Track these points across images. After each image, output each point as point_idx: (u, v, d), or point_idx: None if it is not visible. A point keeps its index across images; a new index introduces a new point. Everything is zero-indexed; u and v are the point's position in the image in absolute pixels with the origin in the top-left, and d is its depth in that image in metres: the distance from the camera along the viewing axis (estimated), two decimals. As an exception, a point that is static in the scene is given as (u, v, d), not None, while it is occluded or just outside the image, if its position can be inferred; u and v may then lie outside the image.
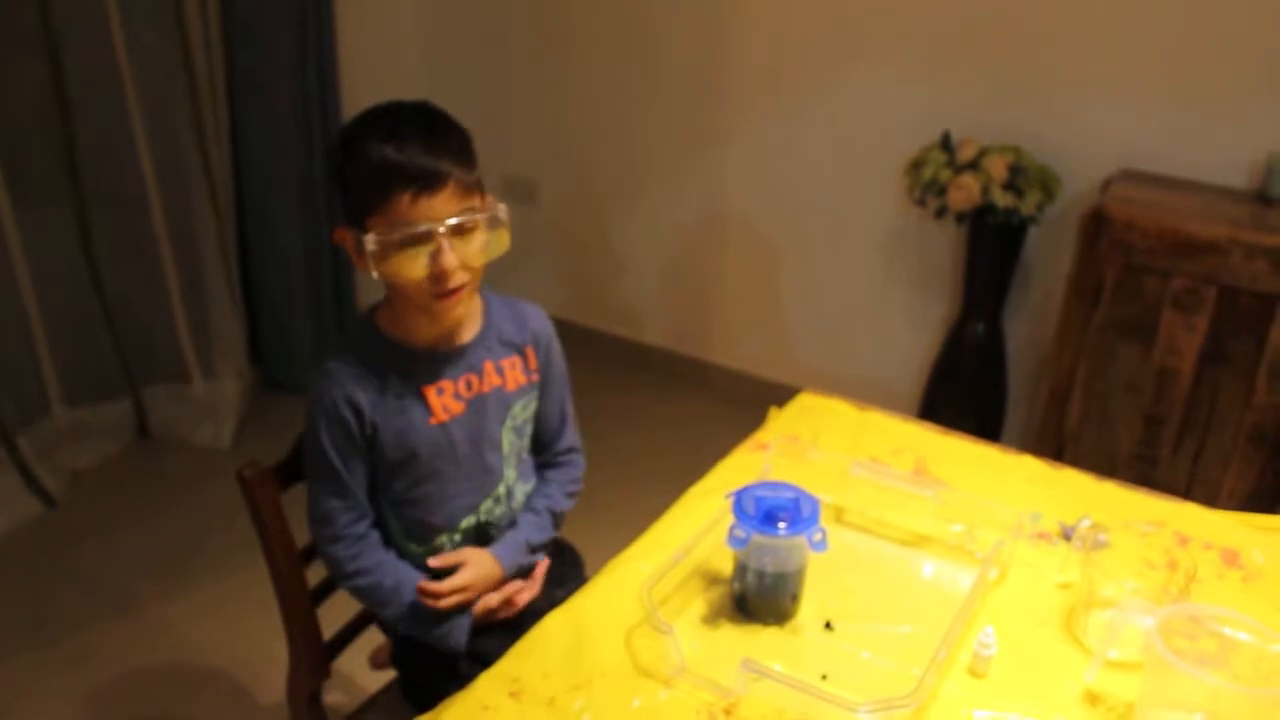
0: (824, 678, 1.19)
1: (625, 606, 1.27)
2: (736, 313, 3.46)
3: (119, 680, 2.25)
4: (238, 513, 1.40)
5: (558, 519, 1.57)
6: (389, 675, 1.64)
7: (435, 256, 1.28)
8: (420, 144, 1.27)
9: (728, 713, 1.13)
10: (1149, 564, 1.36)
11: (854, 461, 1.49)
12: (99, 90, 2.76)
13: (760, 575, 1.26)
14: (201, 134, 2.93)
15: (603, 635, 1.23)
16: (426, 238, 1.28)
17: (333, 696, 1.61)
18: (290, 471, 1.44)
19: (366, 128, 1.30)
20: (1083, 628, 1.28)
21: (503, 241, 1.35)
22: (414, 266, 1.29)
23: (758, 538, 1.22)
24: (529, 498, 1.55)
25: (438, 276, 1.29)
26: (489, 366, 1.44)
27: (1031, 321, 2.94)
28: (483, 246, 1.33)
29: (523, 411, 1.49)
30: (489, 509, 1.46)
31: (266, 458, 1.42)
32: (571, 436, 1.61)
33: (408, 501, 1.42)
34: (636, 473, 2.82)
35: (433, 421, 1.40)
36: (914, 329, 3.14)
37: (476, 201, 1.33)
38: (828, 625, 1.27)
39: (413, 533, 1.44)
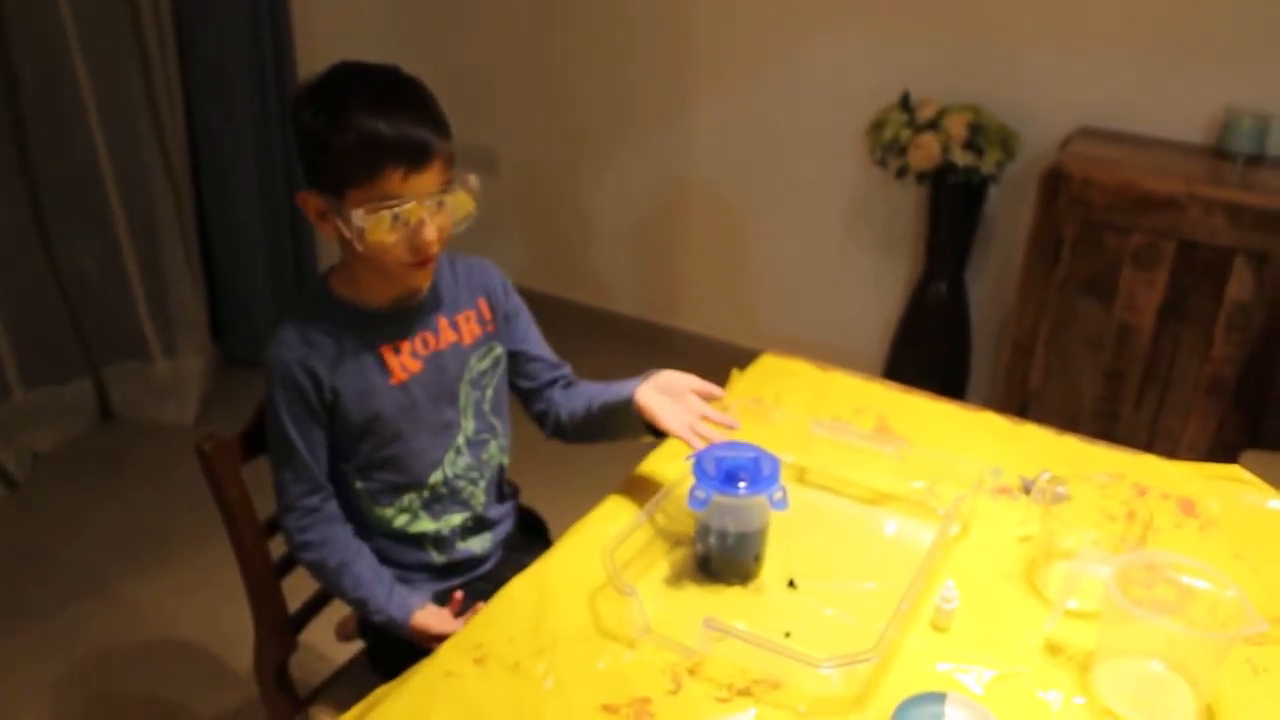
0: (787, 635, 1.19)
1: (589, 570, 1.27)
2: (702, 279, 3.46)
3: (92, 663, 2.23)
4: (204, 490, 1.39)
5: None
6: (357, 646, 1.64)
7: (416, 228, 1.28)
8: (411, 118, 1.26)
9: (691, 673, 1.13)
10: (1108, 515, 1.38)
11: (815, 421, 1.49)
12: (47, 66, 2.70)
13: (722, 536, 1.26)
14: (155, 107, 2.88)
15: (566, 599, 1.23)
16: (412, 211, 1.27)
17: (300, 669, 1.61)
18: (252, 443, 1.42)
19: (348, 94, 1.26)
20: (1043, 579, 1.29)
21: (466, 205, 1.34)
22: (397, 239, 1.28)
23: (719, 498, 1.22)
24: (503, 451, 1.54)
25: (417, 247, 1.30)
26: (444, 323, 1.44)
27: (993, 281, 2.96)
28: (453, 213, 1.34)
29: (479, 363, 1.48)
30: (452, 461, 1.46)
31: (230, 433, 1.40)
32: (554, 375, 1.60)
33: (374, 464, 1.42)
34: (595, 452, 2.83)
35: (393, 382, 1.39)
36: (877, 290, 3.15)
37: (454, 172, 1.33)
38: (791, 584, 1.28)
39: (381, 495, 1.44)
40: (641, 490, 1.44)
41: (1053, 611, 1.19)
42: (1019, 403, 2.64)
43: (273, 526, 1.46)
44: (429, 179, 1.28)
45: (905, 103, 2.72)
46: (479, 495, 1.51)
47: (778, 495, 1.22)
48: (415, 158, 1.25)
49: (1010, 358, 2.65)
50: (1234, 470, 1.54)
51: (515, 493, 1.64)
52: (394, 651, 1.47)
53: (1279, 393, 2.31)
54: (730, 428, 1.38)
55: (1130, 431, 2.53)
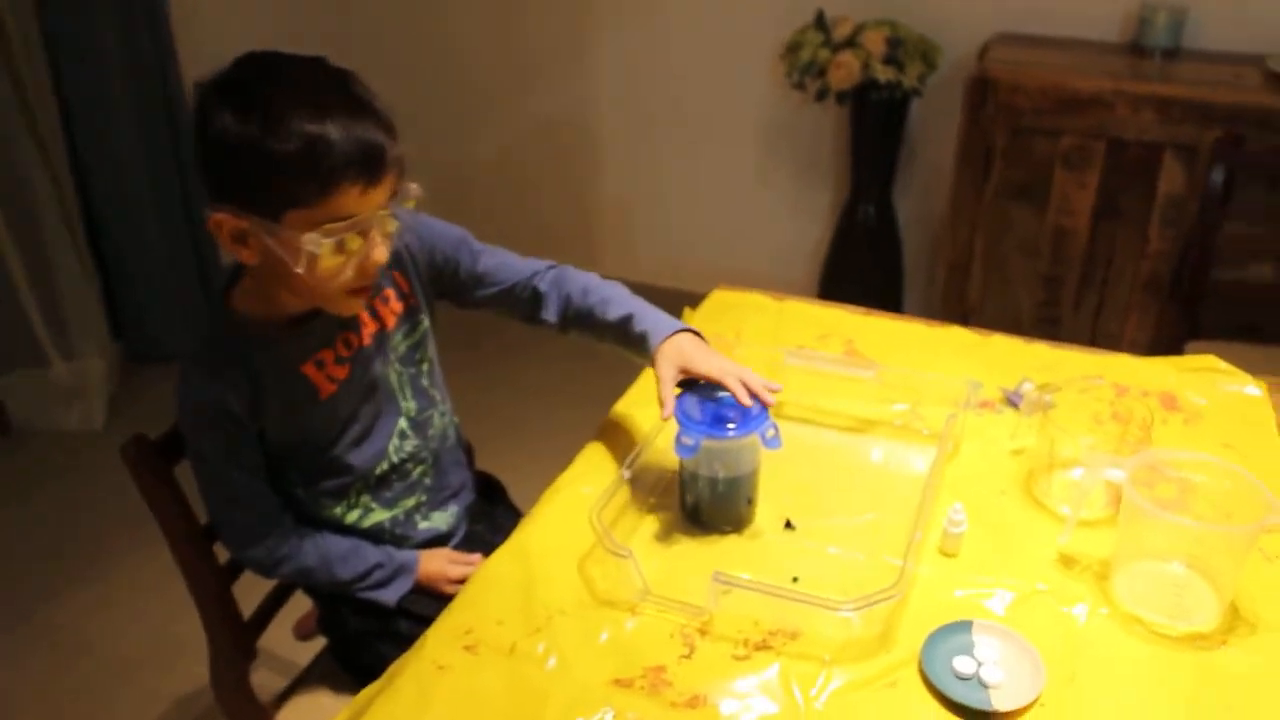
0: (795, 580, 1.12)
1: (572, 535, 1.18)
2: (621, 224, 3.36)
3: (17, 699, 2.07)
4: (120, 495, 1.25)
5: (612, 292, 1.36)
6: (319, 644, 1.53)
7: (368, 250, 1.11)
8: (361, 120, 1.06)
9: (703, 632, 1.05)
10: (1096, 418, 1.33)
11: (787, 351, 1.41)
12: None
13: (712, 482, 1.18)
14: (21, 92, 2.65)
15: (554, 570, 1.14)
16: (365, 231, 1.10)
17: (259, 674, 1.49)
18: (179, 443, 1.29)
19: (279, 93, 1.05)
20: (1045, 491, 1.24)
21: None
22: (347, 264, 1.10)
23: (708, 442, 1.14)
24: (446, 418, 1.42)
25: (367, 271, 1.13)
26: (363, 316, 1.28)
27: (921, 198, 2.92)
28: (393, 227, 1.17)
29: (405, 340, 1.34)
30: (397, 447, 1.34)
31: (146, 433, 1.27)
32: (534, 261, 1.41)
33: (314, 472, 1.29)
34: (552, 404, 2.73)
35: (322, 397, 1.25)
36: (803, 218, 3.09)
37: (402, 181, 1.14)
38: (788, 525, 1.21)
39: (326, 498, 1.31)
40: (613, 444, 1.35)
41: (1067, 523, 1.14)
42: (958, 318, 2.60)
43: (211, 531, 1.33)
44: (383, 192, 1.09)
45: (820, 22, 2.64)
46: (431, 472, 1.40)
47: (770, 433, 1.14)
48: (373, 169, 1.06)
49: (946, 273, 2.62)
50: (1209, 360, 1.51)
51: (471, 455, 1.53)
52: (361, 645, 1.37)
53: (1215, 283, 2.31)
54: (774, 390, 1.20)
55: (1072, 335, 2.52)
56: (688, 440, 1.13)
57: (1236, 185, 2.19)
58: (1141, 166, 2.33)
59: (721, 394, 1.18)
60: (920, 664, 1.01)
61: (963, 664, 1.00)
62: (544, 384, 2.91)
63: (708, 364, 1.21)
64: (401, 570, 1.33)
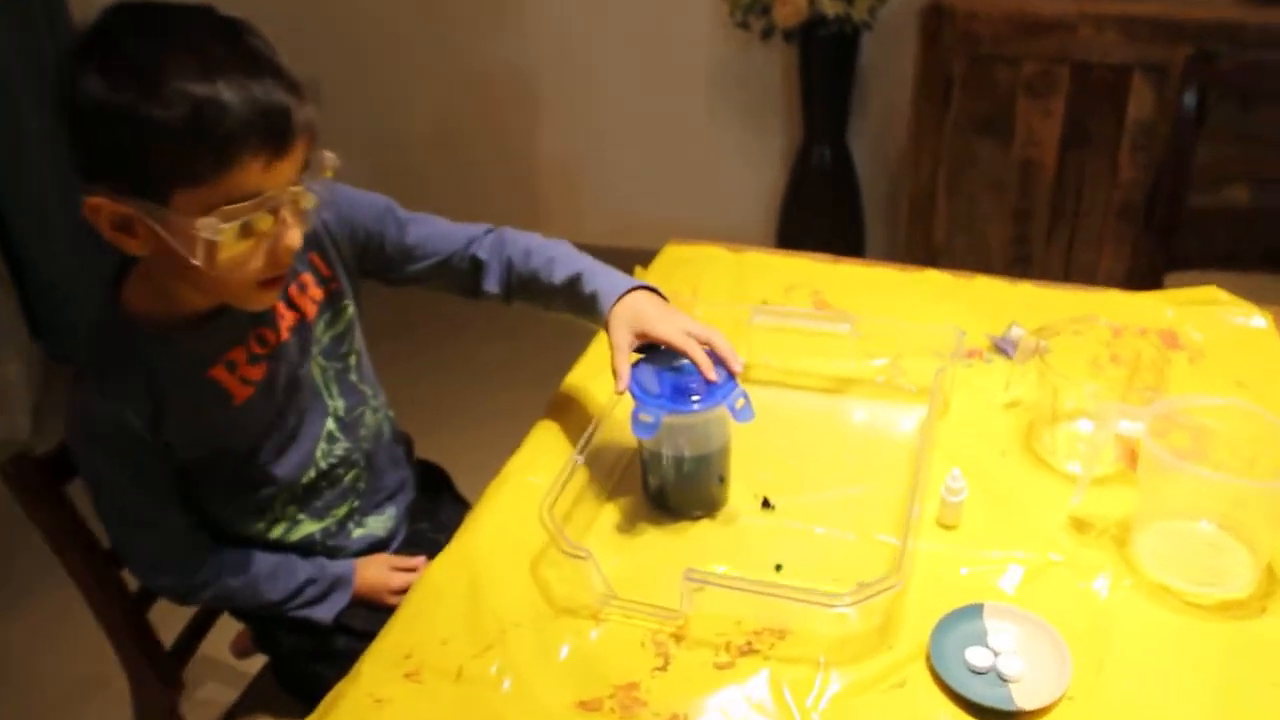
0: (779, 568, 0.99)
1: (522, 533, 1.03)
2: (559, 180, 3.19)
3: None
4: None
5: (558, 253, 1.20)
6: (259, 661, 1.38)
7: (279, 233, 0.94)
8: (261, 78, 0.88)
9: (678, 638, 0.92)
10: (1094, 362, 1.21)
11: (752, 309, 1.27)
12: None
13: (678, 462, 1.04)
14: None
15: (504, 576, 1.00)
16: (273, 211, 0.92)
17: (207, 689, 1.33)
18: (69, 458, 1.12)
19: (159, 49, 0.87)
20: (1048, 447, 1.11)
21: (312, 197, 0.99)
22: (256, 252, 0.94)
23: (669, 419, 0.99)
24: (379, 413, 1.25)
25: (279, 259, 0.95)
26: (279, 307, 1.10)
27: (878, 139, 2.79)
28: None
29: (328, 330, 1.17)
30: (326, 452, 1.17)
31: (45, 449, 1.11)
32: (469, 226, 1.23)
33: (231, 488, 1.13)
34: (496, 385, 2.56)
35: (236, 404, 1.08)
36: (756, 165, 2.94)
37: (314, 149, 0.96)
38: (766, 504, 1.07)
39: (246, 515, 1.16)
40: (565, 422, 1.20)
41: (1077, 484, 1.01)
42: (925, 260, 2.48)
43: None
44: (292, 164, 0.92)
45: (762, -46, 2.48)
46: (365, 475, 1.23)
47: (740, 403, 1.00)
48: (279, 136, 0.89)
49: (910, 214, 2.50)
50: (1209, 292, 1.39)
51: (410, 448, 1.37)
52: (301, 663, 1.22)
53: (1191, 209, 2.21)
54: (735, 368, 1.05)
55: (1044, 271, 2.41)
56: (646, 418, 0.99)
57: (1208, 105, 2.08)
58: (1109, 91, 2.21)
59: (684, 361, 1.04)
60: (929, 658, 0.88)
61: (977, 656, 0.87)
62: (489, 362, 2.72)
63: (666, 327, 1.06)
64: (337, 584, 1.18)
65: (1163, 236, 2.20)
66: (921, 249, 2.49)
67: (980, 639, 0.89)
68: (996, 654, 0.88)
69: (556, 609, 0.95)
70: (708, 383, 1.01)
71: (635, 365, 1.05)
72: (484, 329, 2.74)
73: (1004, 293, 1.43)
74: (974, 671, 0.86)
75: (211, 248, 0.89)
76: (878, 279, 1.48)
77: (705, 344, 1.04)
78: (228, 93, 0.86)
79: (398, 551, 1.27)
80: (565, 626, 0.93)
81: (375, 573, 1.21)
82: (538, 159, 3.18)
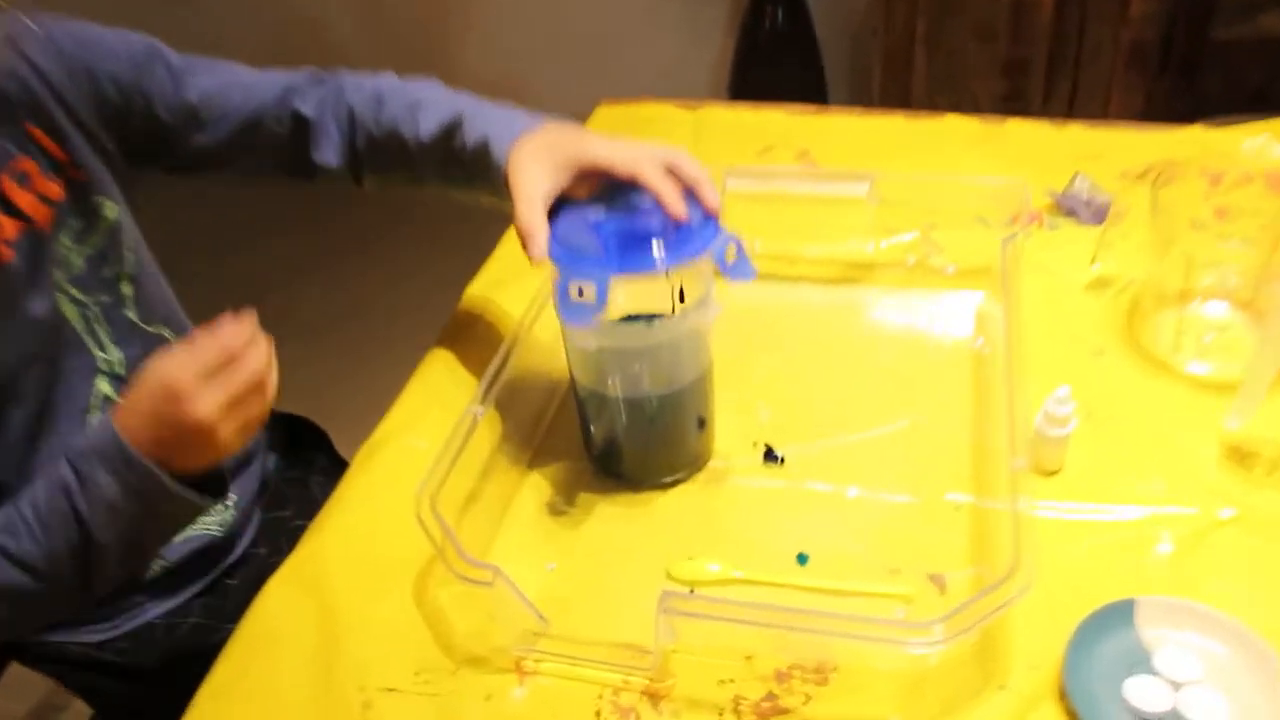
0: (802, 560, 0.64)
1: (401, 536, 0.66)
2: (487, 72, 2.77)
3: None
4: None
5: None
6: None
7: None
8: None
9: (653, 696, 0.56)
10: (1194, 223, 0.86)
11: (727, 172, 0.89)
12: None
13: (636, 403, 0.67)
14: None
15: (375, 605, 0.64)
16: None
17: None
18: None
19: None
20: (1169, 343, 0.77)
21: None
22: None
23: (619, 282, 0.62)
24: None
25: None
26: None
27: (837, -11, 2.41)
28: None
29: (78, 246, 0.76)
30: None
31: None
32: (279, 73, 0.83)
33: None
34: (380, 304, 2.13)
35: None
36: (698, 34, 2.56)
37: None
38: (770, 455, 0.71)
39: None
40: (464, 354, 0.84)
41: (1243, 395, 0.67)
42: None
43: None
44: None
45: None
46: None
47: (730, 253, 0.64)
48: None
49: (883, 71, 2.14)
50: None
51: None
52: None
53: (1213, 47, 1.87)
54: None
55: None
56: (581, 292, 0.61)
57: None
58: (1116, -96, 1.84)
59: (635, 199, 0.67)
60: (1068, 699, 0.54)
61: (1145, 692, 0.53)
62: (366, 274, 2.25)
63: (600, 150, 0.69)
64: (97, 466, 0.63)
65: (1183, 77, 1.86)
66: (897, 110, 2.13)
67: (1143, 661, 0.55)
68: (1177, 687, 0.54)
69: (457, 658, 0.59)
70: (676, 226, 0.63)
71: (557, 215, 0.68)
72: (364, 221, 2.25)
73: (1049, 138, 1.07)
74: (1144, 721, 0.53)
75: None
76: (881, 131, 1.11)
77: (669, 170, 0.67)
78: None
79: (249, 552, 0.89)
80: (472, 686, 0.58)
81: (150, 391, 0.63)
82: (460, 43, 2.77)
